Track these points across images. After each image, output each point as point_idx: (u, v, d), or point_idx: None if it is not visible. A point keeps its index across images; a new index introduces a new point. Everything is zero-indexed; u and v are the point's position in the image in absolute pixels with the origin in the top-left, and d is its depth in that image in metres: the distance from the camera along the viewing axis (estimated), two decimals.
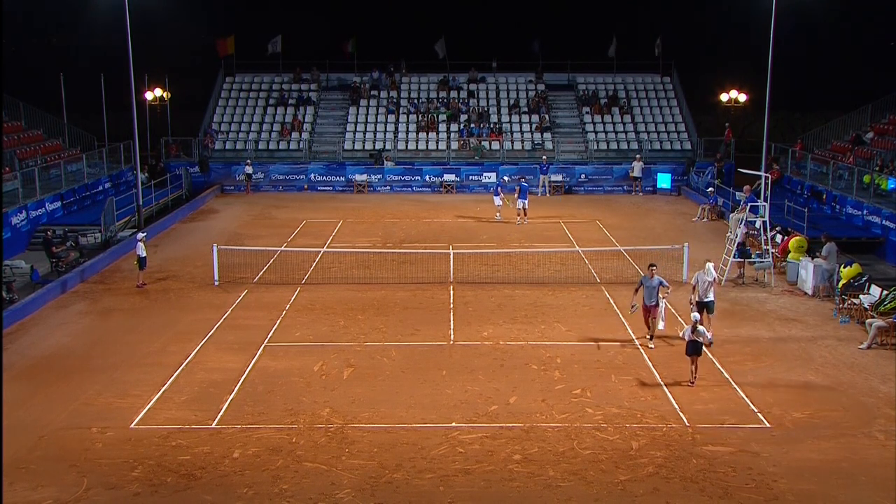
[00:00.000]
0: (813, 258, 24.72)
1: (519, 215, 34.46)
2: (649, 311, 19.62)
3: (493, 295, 23.86)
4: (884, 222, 29.14)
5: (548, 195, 41.14)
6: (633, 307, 19.87)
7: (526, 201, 34.30)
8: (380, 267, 27.04)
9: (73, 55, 58.46)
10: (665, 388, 17.13)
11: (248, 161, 42.31)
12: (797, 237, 26.59)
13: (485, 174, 42.08)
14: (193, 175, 42.61)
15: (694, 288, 19.86)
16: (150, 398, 16.61)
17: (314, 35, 60.75)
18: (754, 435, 15.04)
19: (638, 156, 42.35)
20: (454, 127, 45.51)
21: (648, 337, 19.78)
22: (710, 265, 19.98)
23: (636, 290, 19.75)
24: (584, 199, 40.90)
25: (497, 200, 35.06)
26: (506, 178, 40.01)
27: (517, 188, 34.82)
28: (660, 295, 19.54)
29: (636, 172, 41.58)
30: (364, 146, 44.70)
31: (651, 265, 19.78)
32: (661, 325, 19.58)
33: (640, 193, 41.78)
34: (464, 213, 36.38)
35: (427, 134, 45.37)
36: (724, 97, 49.59)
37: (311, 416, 15.79)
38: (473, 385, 17.28)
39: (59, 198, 33.34)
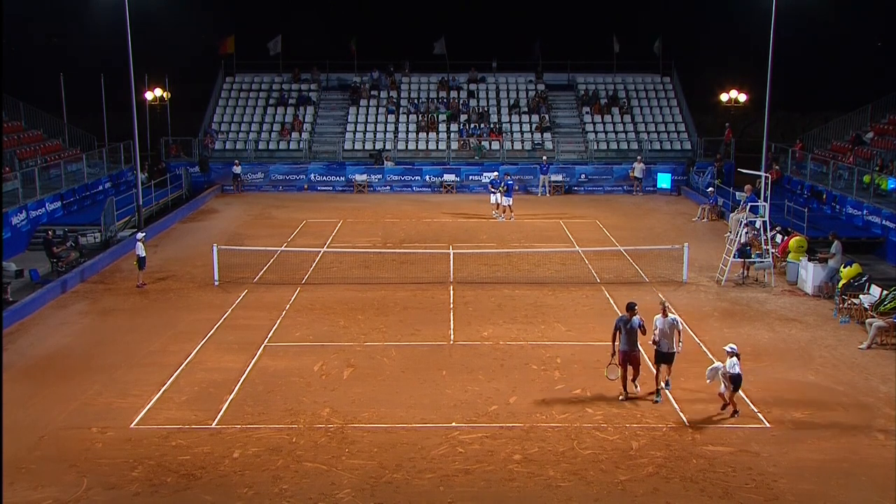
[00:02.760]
0: (811, 259, 24.74)
1: (504, 213, 34.76)
2: (628, 359, 16.41)
3: (493, 295, 23.85)
4: (884, 222, 29.14)
5: (548, 195, 41.15)
6: (611, 373, 16.42)
7: (510, 199, 34.56)
8: (380, 267, 27.03)
9: (73, 55, 58.45)
10: (665, 387, 17.11)
11: (237, 161, 42.35)
12: (797, 237, 26.59)
13: (485, 174, 42.09)
14: (193, 175, 42.62)
15: (654, 333, 16.63)
16: (150, 398, 16.61)
17: (314, 35, 60.78)
18: (754, 435, 15.04)
19: (639, 157, 42.33)
20: (454, 127, 45.51)
21: (623, 397, 16.46)
22: (675, 317, 16.78)
23: (614, 337, 16.45)
24: (584, 199, 40.90)
25: (493, 198, 35.22)
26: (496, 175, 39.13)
27: (503, 186, 34.98)
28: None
29: (637, 173, 41.55)
30: (364, 146, 44.71)
31: (631, 304, 16.60)
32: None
33: (640, 193, 41.75)
34: (464, 213, 36.38)
35: (427, 134, 45.37)
36: (724, 97, 49.61)
37: (311, 416, 15.79)
38: (473, 385, 17.28)
39: (59, 198, 33.34)
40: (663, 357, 16.62)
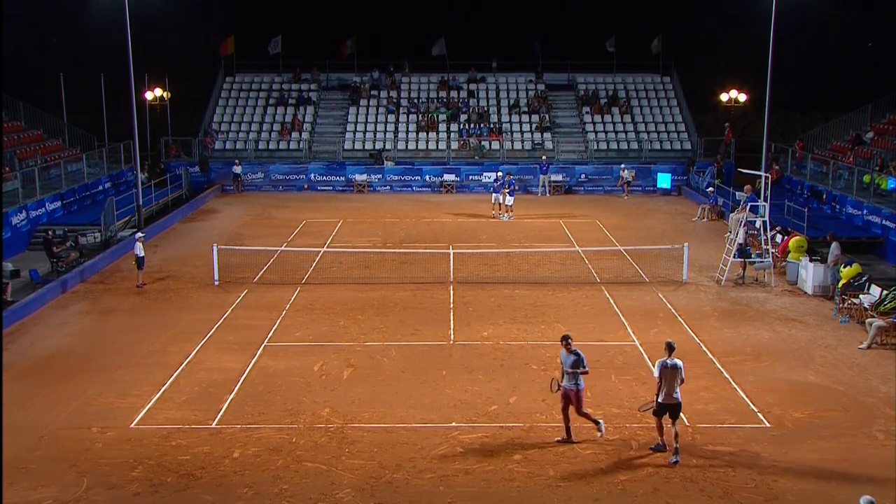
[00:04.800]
0: (811, 259, 24.74)
1: (506, 212, 34.75)
2: (568, 399, 14.46)
3: (493, 295, 23.85)
4: (884, 222, 29.14)
5: (548, 195, 41.14)
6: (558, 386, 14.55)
7: (511, 198, 34.72)
8: (380, 267, 27.03)
9: (73, 55, 58.46)
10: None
11: (237, 161, 42.36)
12: (797, 237, 26.59)
13: (485, 174, 42.10)
14: (193, 175, 42.62)
15: (659, 382, 14.01)
16: (150, 398, 16.61)
17: (314, 35, 60.76)
18: (754, 435, 15.03)
19: (623, 166, 41.66)
20: (454, 127, 45.52)
21: (562, 439, 14.59)
22: (678, 361, 14.03)
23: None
24: (584, 199, 40.90)
25: (494, 198, 35.25)
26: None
27: (507, 186, 35.01)
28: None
29: (627, 178, 41.21)
30: (364, 146, 44.72)
31: (565, 337, 14.64)
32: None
33: (626, 197, 40.88)
34: (464, 213, 36.38)
35: (427, 134, 45.38)
36: (724, 97, 49.60)
37: (311, 416, 15.79)
38: (473, 385, 17.27)
39: (59, 198, 33.34)
40: (667, 408, 14.00)
